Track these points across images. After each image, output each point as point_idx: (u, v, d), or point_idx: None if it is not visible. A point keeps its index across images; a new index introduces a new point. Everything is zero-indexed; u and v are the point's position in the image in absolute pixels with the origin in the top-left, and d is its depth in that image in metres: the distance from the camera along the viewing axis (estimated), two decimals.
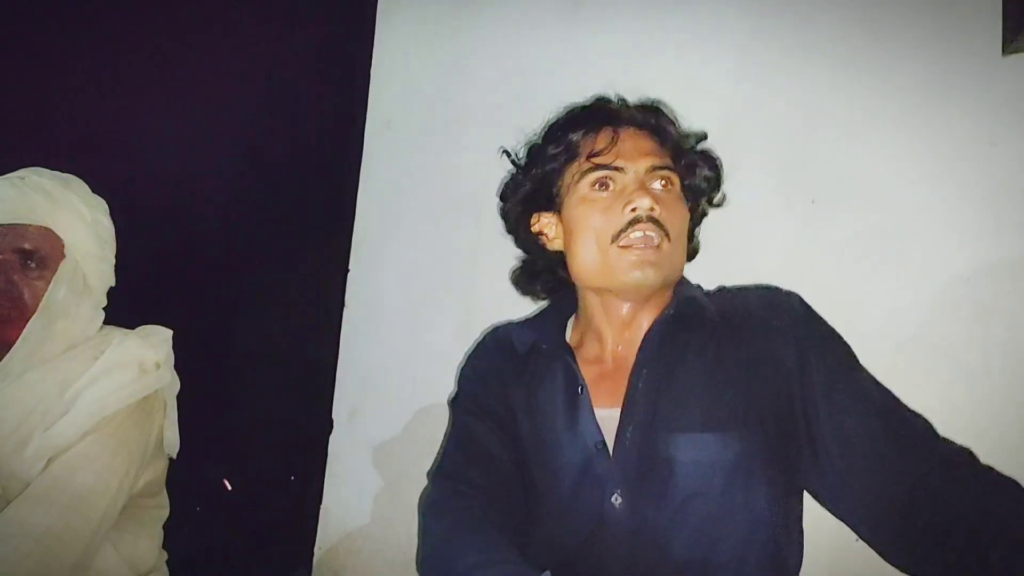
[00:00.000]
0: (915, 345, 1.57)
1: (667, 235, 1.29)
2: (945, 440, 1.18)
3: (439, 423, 2.02)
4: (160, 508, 1.67)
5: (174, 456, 1.69)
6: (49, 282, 1.53)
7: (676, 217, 1.33)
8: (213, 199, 2.21)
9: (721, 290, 1.41)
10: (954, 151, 1.57)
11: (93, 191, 1.66)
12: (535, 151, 1.45)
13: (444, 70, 2.23)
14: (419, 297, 2.16)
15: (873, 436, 1.18)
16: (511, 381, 1.41)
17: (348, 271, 2.27)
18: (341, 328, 2.26)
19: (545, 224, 1.44)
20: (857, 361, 1.28)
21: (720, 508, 1.21)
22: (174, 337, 1.67)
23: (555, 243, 1.43)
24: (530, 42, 2.11)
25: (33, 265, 1.52)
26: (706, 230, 1.53)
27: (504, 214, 1.52)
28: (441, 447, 1.46)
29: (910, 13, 1.63)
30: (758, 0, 1.81)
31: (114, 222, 1.67)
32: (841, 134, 1.69)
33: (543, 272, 1.51)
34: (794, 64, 1.75)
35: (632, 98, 1.47)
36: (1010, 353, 1.47)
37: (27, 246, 1.52)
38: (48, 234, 1.53)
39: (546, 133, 1.45)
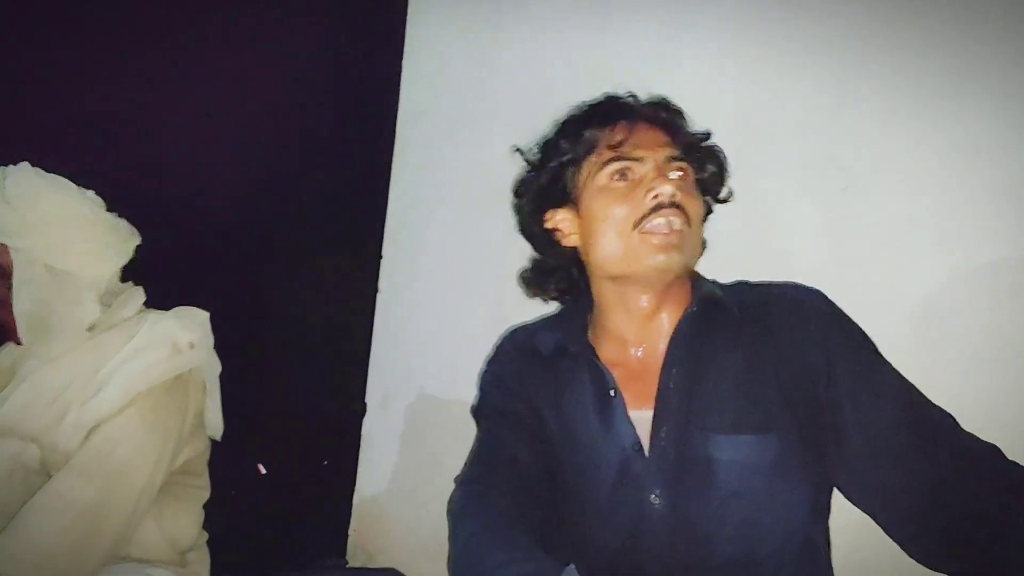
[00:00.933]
0: (948, 332, 1.56)
1: (688, 221, 1.30)
2: (970, 436, 1.19)
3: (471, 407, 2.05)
4: (201, 489, 1.71)
5: (217, 438, 1.72)
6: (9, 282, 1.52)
7: (694, 205, 1.34)
8: (249, 188, 2.22)
9: (740, 285, 1.41)
10: (988, 137, 1.56)
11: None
12: (549, 147, 1.45)
13: (475, 60, 2.24)
14: (452, 283, 2.18)
15: (897, 431, 1.19)
16: (535, 384, 1.40)
17: (381, 258, 2.29)
18: (375, 314, 2.28)
19: (560, 220, 1.43)
20: (881, 357, 1.28)
21: (761, 507, 1.22)
22: (212, 323, 1.70)
23: (570, 239, 1.43)
24: (561, 31, 2.11)
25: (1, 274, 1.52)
26: (736, 219, 1.53)
27: (518, 210, 1.52)
28: (471, 450, 1.46)
29: (933, 5, 1.62)
30: None
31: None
32: (872, 121, 1.67)
33: (556, 271, 1.50)
34: (824, 50, 1.74)
35: (649, 93, 1.48)
36: None
37: None
38: None
39: (559, 129, 1.45)
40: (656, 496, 1.24)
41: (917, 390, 1.24)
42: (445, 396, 2.12)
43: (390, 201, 2.30)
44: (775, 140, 1.74)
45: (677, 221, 1.28)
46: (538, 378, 1.40)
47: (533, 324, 1.52)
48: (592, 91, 1.88)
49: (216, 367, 1.70)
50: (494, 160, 2.15)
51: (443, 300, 2.18)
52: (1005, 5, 1.54)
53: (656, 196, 1.29)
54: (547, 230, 1.46)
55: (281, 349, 2.35)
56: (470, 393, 2.07)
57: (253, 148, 2.22)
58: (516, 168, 2.08)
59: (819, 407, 1.24)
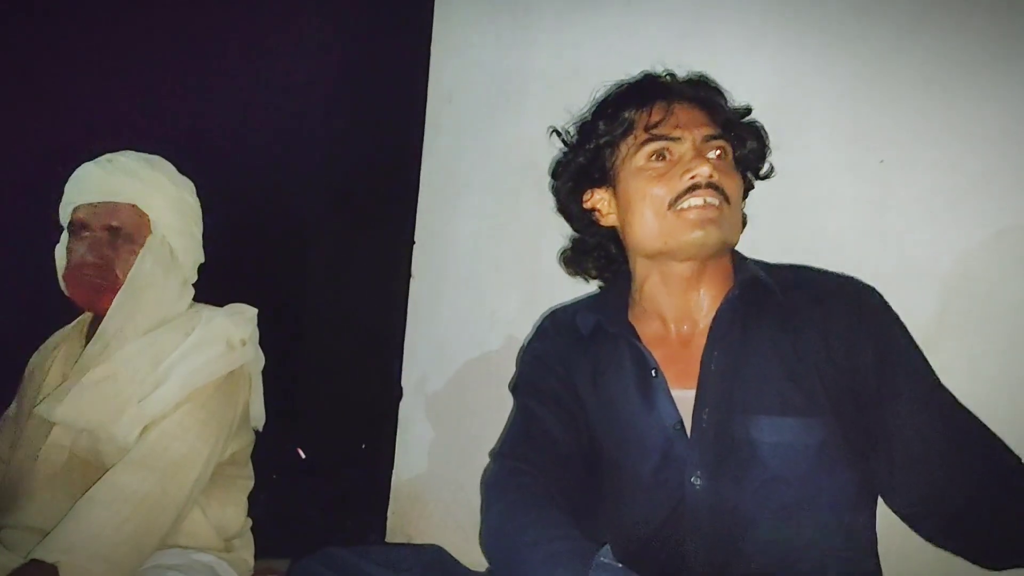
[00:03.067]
0: (988, 304, 1.54)
1: (727, 199, 1.30)
2: (1010, 451, 1.20)
3: (505, 389, 2.05)
4: (246, 478, 1.76)
5: (260, 429, 1.77)
6: (135, 254, 1.61)
7: (733, 183, 1.33)
8: (280, 178, 2.24)
9: (787, 267, 1.40)
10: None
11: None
12: (586, 127, 1.45)
13: (504, 43, 2.23)
14: (484, 267, 2.18)
15: (939, 442, 1.20)
16: (575, 363, 1.41)
17: (414, 243, 2.30)
18: (408, 299, 2.30)
19: (598, 200, 1.44)
20: (929, 366, 1.27)
21: (803, 492, 1.21)
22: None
23: (608, 218, 1.44)
24: (590, 13, 2.09)
25: (121, 240, 1.60)
26: (773, 194, 1.52)
27: (556, 191, 1.53)
28: (506, 425, 1.48)
29: None
30: None
31: None
32: (910, 94, 1.65)
33: (595, 249, 1.52)
34: (861, 23, 1.72)
35: (688, 71, 1.47)
36: None
37: (115, 223, 1.60)
38: (135, 211, 1.62)
39: (596, 109, 1.45)
40: (697, 477, 1.24)
41: (961, 405, 1.24)
42: (479, 378, 2.13)
43: (421, 186, 2.31)
44: (811, 114, 1.72)
45: (714, 199, 1.28)
46: (577, 357, 1.41)
47: (573, 304, 1.53)
48: (623, 72, 1.86)
49: (260, 361, 1.75)
50: (524, 143, 2.14)
51: (476, 284, 2.19)
52: None
53: (693, 176, 1.29)
54: (585, 210, 1.47)
55: (317, 336, 2.37)
56: (504, 375, 2.07)
57: (283, 137, 2.24)
58: (546, 151, 2.07)
59: (864, 404, 1.24)
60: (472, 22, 2.28)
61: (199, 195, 1.74)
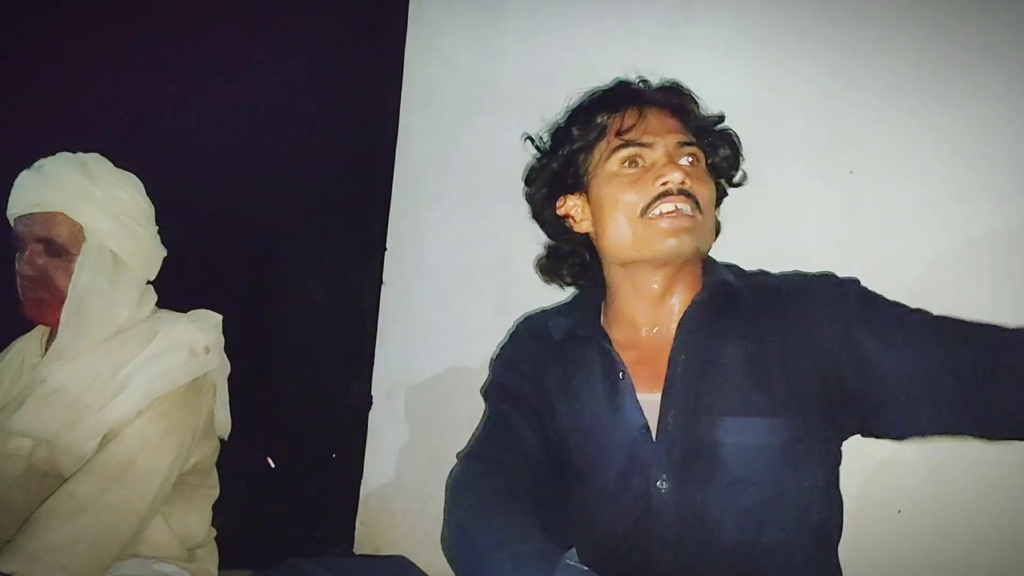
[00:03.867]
0: (958, 313, 1.54)
1: (698, 206, 1.30)
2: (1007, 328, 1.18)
3: (478, 398, 2.04)
4: (210, 488, 1.72)
5: (225, 437, 1.74)
6: (73, 263, 1.56)
7: (705, 191, 1.33)
8: (251, 181, 2.22)
9: (758, 273, 1.41)
10: (994, 122, 1.55)
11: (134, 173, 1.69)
12: (560, 133, 1.45)
13: (478, 50, 2.23)
14: (456, 275, 2.17)
15: (929, 339, 1.19)
16: (547, 367, 1.41)
17: (386, 250, 2.29)
18: (379, 306, 2.28)
19: (571, 206, 1.44)
20: (891, 301, 1.27)
21: (768, 492, 1.21)
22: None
23: (582, 225, 1.43)
24: (564, 21, 2.09)
25: (56, 252, 1.56)
26: (744, 202, 1.52)
27: (530, 198, 1.53)
28: (477, 428, 1.47)
29: None
30: None
31: (155, 206, 1.70)
32: (881, 104, 1.66)
33: (569, 256, 1.51)
34: (833, 33, 1.73)
35: (661, 78, 1.47)
36: None
37: (47, 234, 1.56)
38: (65, 220, 1.56)
39: (570, 116, 1.45)
40: (663, 481, 1.23)
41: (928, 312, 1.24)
42: (451, 387, 2.11)
43: (393, 193, 2.30)
44: (783, 123, 1.73)
45: (686, 206, 1.28)
46: (550, 362, 1.41)
47: (548, 310, 1.53)
48: (597, 79, 1.86)
49: (226, 369, 1.72)
50: (497, 150, 2.14)
51: (448, 292, 2.18)
52: None
53: (665, 183, 1.29)
54: (559, 216, 1.47)
55: (286, 343, 2.35)
56: (476, 384, 2.06)
57: (255, 141, 2.22)
58: (520, 158, 2.06)
59: (840, 381, 1.23)
60: (446, 29, 2.28)
61: (167, 200, 1.70)
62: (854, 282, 1.30)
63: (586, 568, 1.04)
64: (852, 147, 1.69)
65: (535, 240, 1.77)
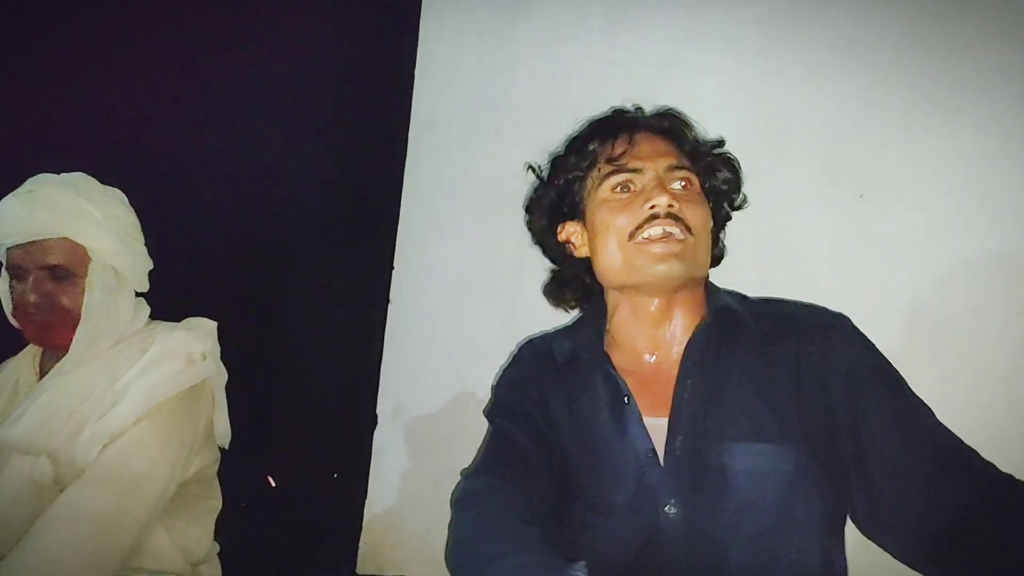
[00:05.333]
0: (965, 339, 1.54)
1: (688, 230, 1.31)
2: (991, 465, 1.18)
3: (483, 419, 2.03)
4: (212, 499, 1.71)
5: (225, 446, 1.74)
6: (81, 286, 1.58)
7: (698, 214, 1.34)
8: (260, 200, 2.23)
9: (761, 299, 1.41)
10: (1003, 148, 1.55)
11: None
12: (557, 163, 1.49)
13: (487, 70, 2.24)
14: (463, 294, 2.17)
15: (919, 461, 1.19)
16: (550, 389, 1.42)
17: (393, 269, 2.29)
18: (386, 325, 2.28)
19: (571, 232, 1.47)
20: (905, 385, 1.27)
21: (776, 520, 1.21)
22: (222, 334, 1.71)
23: (582, 250, 1.46)
24: (573, 42, 2.11)
25: (62, 276, 1.57)
26: (753, 227, 1.52)
27: (531, 226, 1.57)
28: (481, 446, 1.47)
29: (961, 7, 1.61)
30: (803, 1, 1.79)
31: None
32: (889, 129, 1.67)
33: (571, 280, 1.54)
34: (839, 58, 1.74)
35: (659, 105, 1.50)
36: None
37: (51, 261, 1.56)
38: (68, 244, 1.57)
39: (567, 145, 1.49)
40: (671, 506, 1.24)
41: (939, 421, 1.23)
42: (456, 407, 2.11)
43: (401, 212, 2.30)
44: (790, 148, 1.73)
45: (675, 231, 1.30)
46: (553, 383, 1.42)
47: (551, 332, 1.54)
48: (605, 101, 1.86)
49: (223, 376, 1.72)
50: (505, 171, 2.14)
51: (454, 311, 2.17)
52: (1020, 17, 1.54)
53: (653, 206, 1.31)
54: (560, 242, 1.50)
55: (292, 361, 2.35)
56: (482, 404, 2.06)
57: (265, 160, 2.23)
58: (527, 180, 2.07)
59: (837, 431, 1.24)
60: (455, 50, 2.29)
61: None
62: (870, 347, 1.30)
63: None
64: (860, 172, 1.69)
65: (541, 261, 1.77)
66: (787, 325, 1.32)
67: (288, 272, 2.34)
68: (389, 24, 2.42)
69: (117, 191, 1.68)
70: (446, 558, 1.25)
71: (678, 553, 1.22)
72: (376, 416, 2.24)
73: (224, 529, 1.74)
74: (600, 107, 1.97)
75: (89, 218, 1.58)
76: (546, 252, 1.56)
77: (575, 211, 1.45)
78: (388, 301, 2.28)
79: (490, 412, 1.51)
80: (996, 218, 1.55)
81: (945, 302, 1.58)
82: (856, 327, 1.32)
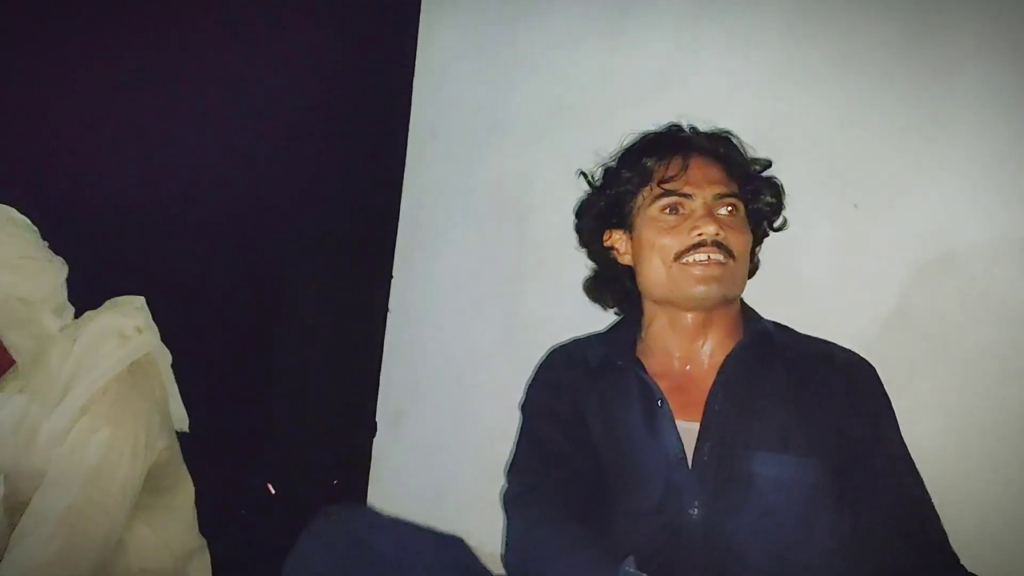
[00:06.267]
0: (961, 348, 1.56)
1: (731, 255, 1.37)
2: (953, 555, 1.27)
3: (483, 426, 2.04)
4: (184, 488, 1.66)
5: (185, 430, 1.67)
6: None
7: (740, 240, 1.40)
8: (260, 208, 2.23)
9: (791, 330, 1.47)
10: (998, 158, 1.56)
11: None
12: (610, 173, 1.54)
13: (487, 79, 2.25)
14: (462, 302, 2.18)
15: (893, 533, 1.27)
16: (583, 392, 1.46)
17: (392, 277, 2.29)
18: (385, 333, 2.29)
19: (617, 240, 1.52)
20: (907, 454, 1.34)
21: (796, 532, 1.26)
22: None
23: (625, 258, 1.51)
24: (573, 51, 2.12)
25: None
26: None
27: (578, 230, 1.62)
28: (516, 444, 1.52)
29: (955, 21, 1.62)
30: (799, 8, 1.81)
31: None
32: (884, 139, 1.68)
33: (612, 283, 1.59)
34: (837, 70, 1.75)
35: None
36: None
37: None
38: None
39: (621, 156, 1.53)
40: (695, 508, 1.28)
41: (928, 499, 1.31)
42: (456, 415, 2.11)
43: (400, 220, 2.31)
44: (787, 157, 1.73)
45: (718, 256, 1.36)
46: (586, 387, 1.47)
47: (582, 339, 1.59)
48: (605, 110, 1.88)
49: (167, 356, 1.64)
50: (504, 180, 2.16)
51: (454, 319, 2.18)
52: (1013, 27, 1.55)
53: (700, 234, 1.36)
54: (605, 247, 1.55)
55: (292, 369, 2.35)
56: (482, 412, 2.07)
57: (265, 169, 2.23)
58: (527, 187, 2.08)
59: (845, 469, 1.30)
60: (455, 58, 2.30)
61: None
62: (887, 401, 1.37)
63: (644, 575, 1.11)
64: (856, 181, 1.70)
65: (542, 267, 1.78)
66: (819, 356, 1.39)
67: (287, 281, 2.34)
68: (388, 32, 2.42)
69: (4, 208, 1.55)
70: (503, 560, 1.35)
71: (697, 554, 1.27)
72: (376, 424, 2.25)
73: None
74: (600, 115, 1.99)
75: None
76: (590, 255, 1.61)
77: (623, 222, 1.50)
78: (388, 310, 2.28)
79: (524, 407, 1.56)
80: (993, 226, 1.56)
81: (937, 310, 1.59)
82: (880, 380, 1.38)
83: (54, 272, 1.58)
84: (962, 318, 1.57)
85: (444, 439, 2.12)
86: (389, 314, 2.29)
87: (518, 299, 2.06)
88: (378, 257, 2.31)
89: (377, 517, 1.30)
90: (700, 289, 1.36)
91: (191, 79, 2.12)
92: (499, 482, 1.51)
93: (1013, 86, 1.55)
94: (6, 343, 1.49)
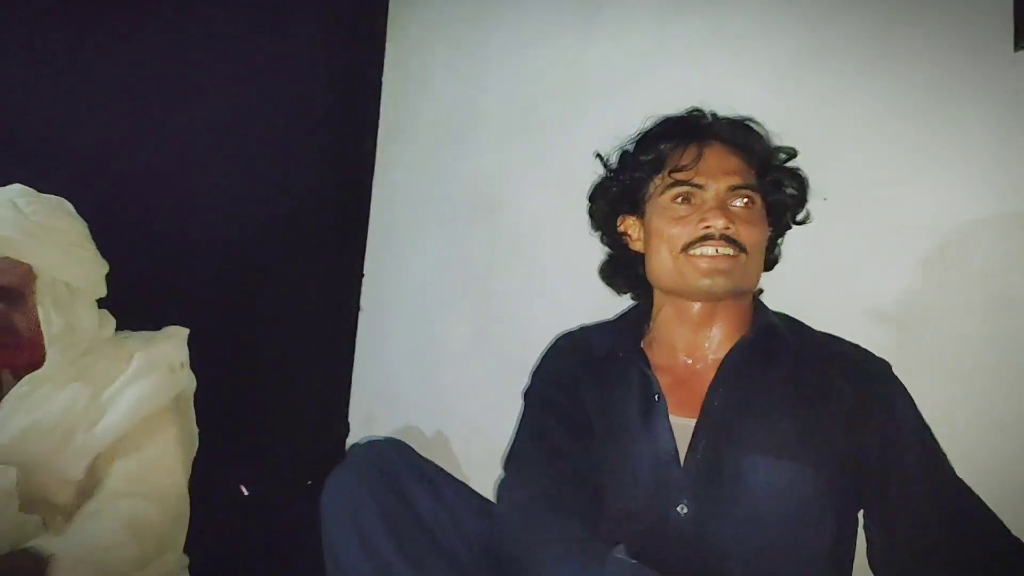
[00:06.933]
0: (926, 341, 1.57)
1: (743, 250, 1.33)
2: (1004, 527, 1.21)
3: (455, 425, 2.04)
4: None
5: (193, 454, 1.72)
6: (31, 303, 1.55)
7: (754, 233, 1.36)
8: (229, 206, 2.21)
9: (803, 325, 1.43)
10: (965, 148, 1.57)
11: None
12: (625, 157, 1.49)
13: (457, 76, 2.24)
14: (434, 301, 2.17)
15: (939, 517, 1.23)
16: (586, 382, 1.44)
17: (363, 276, 2.28)
18: (357, 332, 2.28)
19: (630, 226, 1.49)
20: (932, 436, 1.29)
21: (784, 539, 1.23)
22: (193, 343, 1.71)
23: (637, 244, 1.48)
24: (544, 47, 2.11)
25: (9, 297, 1.54)
26: None
27: (592, 213, 1.57)
28: (517, 430, 1.48)
29: (921, 11, 1.63)
30: (770, 3, 1.81)
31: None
32: (853, 132, 1.68)
33: (625, 269, 1.55)
34: (804, 58, 1.75)
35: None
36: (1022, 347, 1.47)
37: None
38: (11, 263, 1.54)
39: (638, 140, 1.48)
40: (684, 506, 1.26)
41: (958, 478, 1.26)
42: (429, 413, 2.11)
43: (371, 219, 2.30)
44: None
45: (727, 250, 1.32)
46: (588, 377, 1.44)
47: (590, 327, 1.57)
48: (576, 107, 1.88)
49: (193, 384, 1.72)
50: (474, 177, 2.15)
51: (425, 318, 2.17)
52: (981, 17, 1.56)
53: (708, 227, 1.32)
54: (618, 233, 1.52)
55: (263, 369, 2.33)
56: (453, 411, 2.06)
57: (233, 167, 2.21)
58: (498, 185, 2.08)
59: (864, 473, 1.26)
60: (425, 55, 2.29)
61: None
62: (907, 398, 1.32)
63: (635, 562, 1.11)
64: (825, 174, 1.70)
65: (512, 265, 1.78)
66: (829, 356, 1.35)
67: (258, 281, 2.32)
68: (357, 31, 2.41)
69: (60, 201, 1.64)
70: (497, 532, 1.31)
71: (681, 553, 1.24)
72: (348, 424, 2.24)
73: (195, 541, 1.72)
74: (572, 111, 1.98)
75: (29, 234, 1.55)
76: (604, 239, 1.57)
77: (636, 208, 1.46)
78: (359, 308, 2.27)
79: (528, 395, 1.53)
80: (958, 220, 1.57)
81: (911, 305, 1.60)
82: (895, 375, 1.34)
83: (98, 266, 1.66)
84: (933, 309, 1.57)
85: (416, 438, 2.11)
86: (360, 313, 2.27)
87: (489, 297, 2.05)
88: (349, 256, 2.30)
89: (412, 458, 1.38)
90: (705, 282, 1.33)
91: (158, 76, 2.09)
92: (471, 480, 1.51)
93: (984, 76, 1.55)
94: (43, 319, 1.55)
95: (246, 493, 2.30)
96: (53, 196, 1.64)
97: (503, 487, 1.38)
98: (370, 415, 2.21)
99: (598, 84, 1.98)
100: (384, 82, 2.34)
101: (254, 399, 2.35)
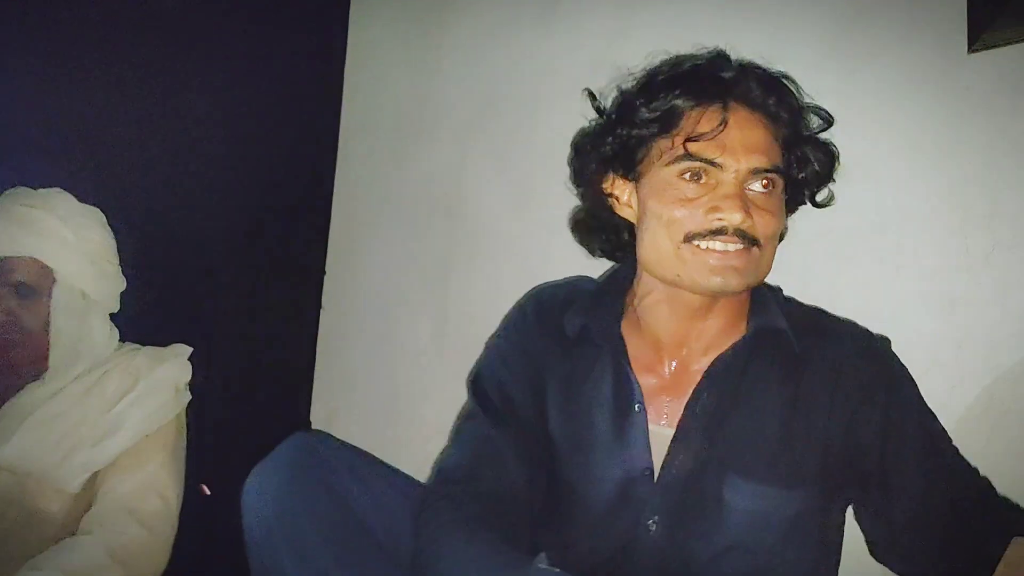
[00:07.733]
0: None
1: (756, 243, 1.13)
2: (1014, 506, 1.14)
3: (417, 423, 2.03)
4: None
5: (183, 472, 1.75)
6: (46, 304, 1.57)
7: (771, 224, 1.15)
8: (187, 204, 2.19)
9: (808, 310, 1.28)
10: (919, 148, 1.58)
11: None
12: (626, 105, 1.22)
13: (417, 73, 2.23)
14: (395, 298, 2.16)
15: (943, 502, 1.14)
16: (549, 365, 1.25)
17: (324, 273, 2.27)
18: (318, 330, 2.26)
19: (619, 187, 1.25)
20: (934, 419, 1.20)
21: (767, 563, 1.14)
22: (150, 342, 1.73)
23: (624, 210, 1.25)
24: (504, 43, 2.11)
25: (26, 294, 1.56)
26: None
27: (574, 165, 1.33)
28: (458, 424, 1.35)
29: (876, 12, 1.64)
30: None
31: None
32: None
33: (604, 231, 1.33)
34: (782, 54, 1.73)
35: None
36: (979, 345, 1.49)
37: (17, 278, 1.56)
38: (36, 263, 1.57)
39: (644, 83, 1.22)
40: (654, 522, 1.15)
41: (963, 460, 1.18)
42: (391, 412, 2.10)
43: (332, 217, 2.29)
44: None
45: (740, 245, 1.12)
46: (555, 359, 1.25)
47: (565, 293, 1.32)
48: (538, 101, 1.85)
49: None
50: (436, 175, 2.14)
51: (387, 316, 2.17)
52: (935, 19, 1.57)
53: (721, 220, 1.12)
54: (604, 192, 1.27)
55: (224, 368, 2.31)
56: (416, 408, 2.06)
57: (193, 165, 2.19)
58: (457, 182, 2.07)
59: (864, 474, 1.16)
60: (385, 52, 2.28)
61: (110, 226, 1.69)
62: (907, 377, 1.22)
63: (557, 570, 0.98)
64: None
65: (473, 262, 1.77)
66: (827, 348, 1.19)
67: (218, 279, 2.30)
68: (318, 27, 2.39)
69: (95, 211, 1.67)
70: (412, 566, 1.13)
71: (651, 569, 1.14)
72: (310, 423, 2.23)
73: None
74: (534, 106, 1.97)
75: (61, 239, 1.58)
76: (581, 196, 1.34)
77: (630, 170, 1.21)
78: (320, 307, 2.26)
79: (474, 383, 1.31)
80: (915, 217, 1.59)
81: (869, 301, 1.61)
82: (895, 353, 1.23)
83: (117, 282, 1.69)
84: (893, 309, 1.58)
85: (378, 436, 2.10)
86: (322, 311, 2.26)
87: (449, 294, 2.05)
88: (310, 253, 2.28)
89: (343, 452, 1.22)
90: (716, 280, 1.12)
91: (116, 74, 2.07)
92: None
93: (938, 77, 1.56)
94: (54, 326, 1.57)
95: (207, 493, 2.28)
96: (90, 207, 1.66)
97: (425, 505, 1.16)
98: (331, 414, 2.20)
99: (557, 78, 1.97)
100: (345, 80, 2.32)
101: (215, 397, 2.33)
